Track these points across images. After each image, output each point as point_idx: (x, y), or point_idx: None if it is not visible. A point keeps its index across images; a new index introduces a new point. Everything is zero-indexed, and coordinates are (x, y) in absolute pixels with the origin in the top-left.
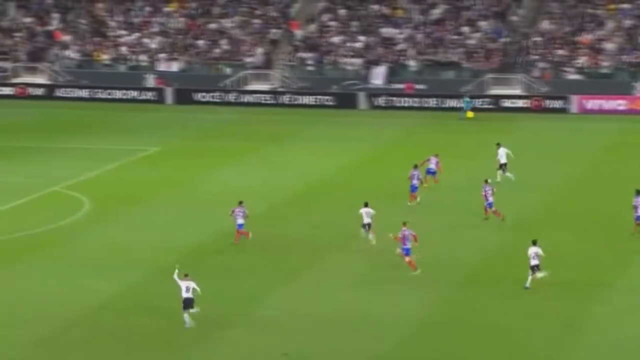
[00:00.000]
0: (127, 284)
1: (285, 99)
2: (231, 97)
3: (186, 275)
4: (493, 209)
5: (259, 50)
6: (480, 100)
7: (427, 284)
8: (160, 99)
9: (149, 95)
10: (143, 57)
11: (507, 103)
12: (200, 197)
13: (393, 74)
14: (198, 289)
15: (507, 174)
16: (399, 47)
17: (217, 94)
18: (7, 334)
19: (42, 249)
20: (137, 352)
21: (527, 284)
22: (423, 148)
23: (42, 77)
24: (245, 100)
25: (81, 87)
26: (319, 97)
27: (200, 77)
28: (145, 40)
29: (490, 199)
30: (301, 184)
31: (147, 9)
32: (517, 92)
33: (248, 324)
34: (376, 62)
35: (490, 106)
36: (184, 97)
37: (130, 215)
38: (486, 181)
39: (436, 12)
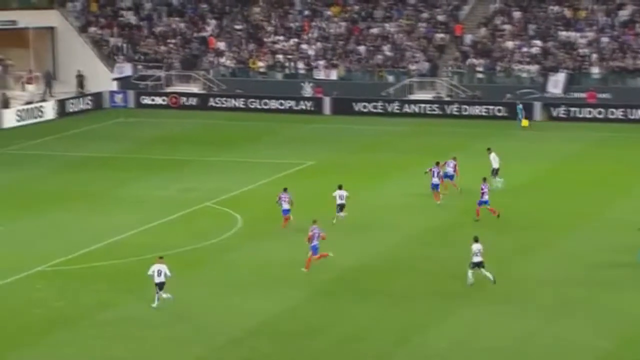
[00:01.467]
0: (284, 304)
1: (453, 109)
2: (393, 107)
3: (160, 258)
4: (488, 206)
5: (424, 56)
6: None
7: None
8: (317, 109)
9: (306, 105)
10: (300, 65)
11: None
12: (360, 214)
13: (573, 82)
14: (169, 273)
15: (497, 178)
16: (580, 52)
17: (378, 103)
18: (162, 354)
19: (195, 267)
20: None
21: (469, 282)
22: (607, 165)
23: (195, 86)
24: (409, 110)
25: (235, 97)
26: (489, 107)
27: (360, 85)
28: (303, 46)
29: (486, 197)
30: (463, 204)
31: (306, 13)
32: None
33: (411, 355)
34: (554, 69)
35: None
36: (343, 107)
37: (284, 234)
38: (484, 179)
39: (624, 14)
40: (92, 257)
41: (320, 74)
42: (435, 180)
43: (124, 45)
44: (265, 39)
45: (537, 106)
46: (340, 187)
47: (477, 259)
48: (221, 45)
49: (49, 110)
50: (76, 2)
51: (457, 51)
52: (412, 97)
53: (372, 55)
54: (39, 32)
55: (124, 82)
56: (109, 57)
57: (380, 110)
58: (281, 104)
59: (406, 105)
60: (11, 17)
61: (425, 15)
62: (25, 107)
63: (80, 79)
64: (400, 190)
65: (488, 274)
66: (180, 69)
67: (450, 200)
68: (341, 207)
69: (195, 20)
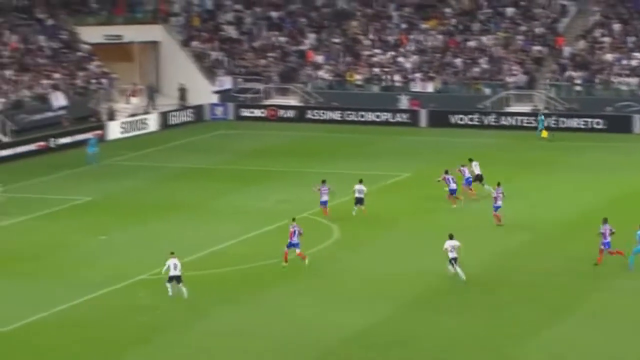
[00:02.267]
0: (377, 315)
1: (550, 122)
2: (490, 119)
3: (172, 253)
4: (498, 212)
5: (522, 69)
6: None
7: None
8: (414, 122)
9: (403, 117)
10: (397, 77)
11: None
12: (455, 226)
13: None
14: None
15: (486, 186)
16: None
17: (475, 116)
18: None
19: (290, 277)
20: None
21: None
22: None
23: (293, 98)
24: (506, 123)
25: (332, 109)
26: (588, 120)
27: (457, 98)
28: (400, 59)
29: (499, 203)
30: (564, 215)
31: (403, 26)
32: None
33: None
34: None
35: None
36: (439, 120)
37: (380, 244)
38: (498, 184)
39: None
40: (192, 266)
41: (416, 87)
42: (453, 186)
43: (225, 58)
44: (362, 52)
45: (637, 119)
46: (360, 182)
47: (452, 255)
48: (319, 58)
49: (152, 123)
50: (179, 17)
51: (555, 64)
52: (509, 109)
53: (468, 67)
54: (144, 47)
55: (224, 95)
56: (210, 71)
57: (477, 123)
58: (377, 117)
59: (503, 118)
60: (117, 32)
61: (523, 28)
62: (130, 119)
63: (183, 92)
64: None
65: (460, 272)
66: (278, 82)
67: (546, 213)
68: (359, 201)
69: (294, 34)
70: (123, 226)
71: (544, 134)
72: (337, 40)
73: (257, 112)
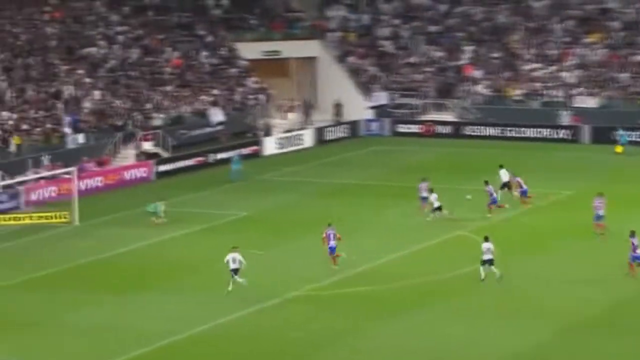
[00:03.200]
0: (534, 338)
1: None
2: None
3: (235, 248)
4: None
5: None
6: None
7: None
8: (575, 138)
9: (564, 133)
10: (558, 92)
11: None
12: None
13: None
14: (243, 261)
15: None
16: None
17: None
18: None
19: (445, 296)
20: None
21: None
22: None
23: (450, 114)
24: None
25: (489, 125)
26: None
27: (621, 113)
28: (562, 74)
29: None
30: None
31: (566, 39)
32: None
33: None
34: None
35: None
36: (602, 136)
37: (533, 264)
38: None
39: None
40: (345, 283)
41: (579, 102)
42: (495, 196)
43: (381, 74)
44: (521, 67)
45: None
46: (431, 191)
47: (487, 257)
48: (477, 73)
49: (308, 138)
50: (335, 32)
51: None
52: None
53: (634, 82)
54: (301, 62)
55: (380, 111)
56: (366, 86)
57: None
58: (538, 132)
59: None
60: (275, 48)
61: None
62: (286, 135)
63: (338, 108)
64: None
65: (496, 271)
66: (435, 97)
67: None
68: (439, 209)
69: (451, 49)
70: (278, 241)
71: (618, 149)
72: (496, 55)
73: (414, 128)
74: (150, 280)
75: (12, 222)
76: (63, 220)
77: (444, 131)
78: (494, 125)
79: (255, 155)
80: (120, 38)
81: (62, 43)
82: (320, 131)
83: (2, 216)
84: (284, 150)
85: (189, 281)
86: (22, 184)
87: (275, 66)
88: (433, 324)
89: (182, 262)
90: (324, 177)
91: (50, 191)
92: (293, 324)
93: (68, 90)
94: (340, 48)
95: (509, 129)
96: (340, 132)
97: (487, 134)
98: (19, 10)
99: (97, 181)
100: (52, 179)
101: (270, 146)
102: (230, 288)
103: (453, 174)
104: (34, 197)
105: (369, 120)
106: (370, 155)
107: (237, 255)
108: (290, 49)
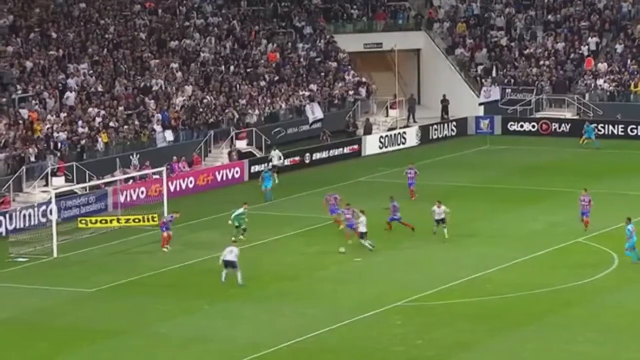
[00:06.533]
0: None
1: None
2: None
3: (234, 241)
4: None
5: None
6: None
7: None
8: None
9: None
10: None
11: None
12: None
13: None
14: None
15: None
16: None
17: None
18: None
19: (564, 308)
20: None
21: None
22: None
23: (568, 111)
24: None
25: (614, 123)
26: None
27: None
28: None
29: None
30: None
31: None
32: None
33: None
34: None
35: None
36: None
37: None
38: None
39: None
40: (452, 294)
41: None
42: (397, 215)
43: (493, 67)
44: None
45: None
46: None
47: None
48: (599, 66)
49: (412, 137)
50: (444, 22)
51: None
52: None
53: None
54: (404, 55)
55: (491, 107)
56: (475, 81)
57: None
58: None
59: None
60: (377, 40)
61: None
62: (388, 133)
63: (445, 104)
64: None
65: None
66: (552, 93)
67: None
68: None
69: (571, 40)
70: (379, 247)
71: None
72: (620, 46)
73: (528, 126)
74: (247, 287)
75: (99, 224)
76: (152, 223)
77: (561, 130)
78: (617, 123)
79: (355, 154)
80: (214, 30)
81: (153, 35)
82: (425, 129)
83: (89, 218)
84: (386, 149)
85: (283, 289)
86: (110, 184)
87: (377, 59)
88: (550, 340)
89: (276, 269)
90: (429, 179)
91: (139, 192)
92: (396, 337)
93: (158, 85)
94: (448, 39)
95: (633, 127)
96: (446, 130)
97: (611, 132)
98: (108, 0)
99: (187, 182)
100: (141, 179)
101: (371, 145)
102: (223, 279)
103: (572, 176)
104: (122, 198)
105: (479, 118)
106: (480, 156)
107: (235, 249)
108: (394, 40)
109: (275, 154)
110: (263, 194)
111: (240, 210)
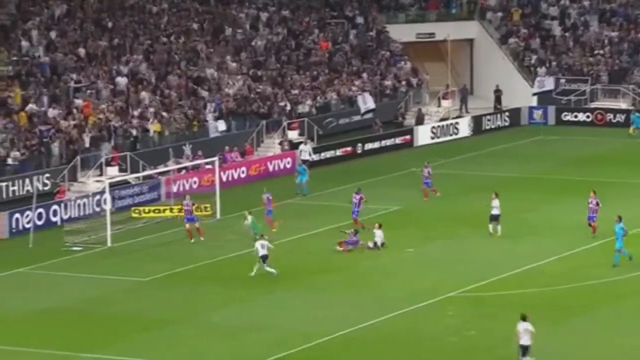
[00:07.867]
0: None
1: None
2: None
3: (262, 236)
4: None
5: None
6: None
7: None
8: None
9: None
10: None
11: None
12: None
13: None
14: (271, 246)
15: None
16: None
17: None
18: None
19: (616, 300)
20: None
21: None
22: None
23: (624, 101)
24: None
25: None
26: None
27: None
28: None
29: None
30: None
31: None
32: None
33: None
34: None
35: None
36: None
37: None
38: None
39: None
40: (505, 285)
41: None
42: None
43: (547, 56)
44: None
45: None
46: (496, 195)
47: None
48: None
49: (464, 127)
50: (498, 12)
51: None
52: None
53: None
54: (457, 45)
55: (545, 97)
56: (529, 70)
57: None
58: None
59: None
60: (429, 30)
61: None
62: (440, 123)
63: (498, 95)
64: None
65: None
66: (607, 83)
67: None
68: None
69: (628, 28)
70: (433, 237)
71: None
72: None
73: (582, 117)
74: (297, 277)
75: (152, 214)
76: (205, 213)
77: (616, 120)
78: None
79: (408, 145)
80: (266, 19)
81: (206, 24)
82: (477, 119)
83: (142, 208)
84: (439, 140)
85: (337, 279)
86: (163, 174)
87: (429, 49)
88: (602, 332)
89: (330, 259)
90: (482, 170)
91: (192, 182)
92: (448, 327)
93: (211, 75)
94: (501, 29)
95: None
96: (499, 121)
97: None
98: None
99: (239, 172)
100: (193, 169)
101: (423, 135)
102: (253, 274)
103: (626, 167)
104: (174, 188)
105: (533, 108)
106: (534, 146)
107: (266, 242)
108: (446, 30)
109: (306, 148)
110: (296, 188)
111: (249, 219)
